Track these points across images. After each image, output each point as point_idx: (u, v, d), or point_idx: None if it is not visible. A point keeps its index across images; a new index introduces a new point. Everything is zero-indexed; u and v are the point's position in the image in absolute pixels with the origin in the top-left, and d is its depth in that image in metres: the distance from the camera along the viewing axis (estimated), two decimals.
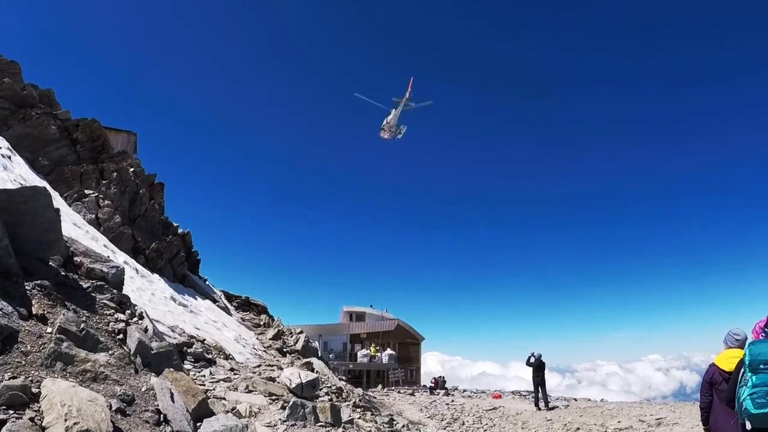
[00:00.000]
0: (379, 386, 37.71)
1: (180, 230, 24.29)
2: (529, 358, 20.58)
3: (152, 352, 7.59)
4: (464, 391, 33.28)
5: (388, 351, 45.24)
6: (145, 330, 8.47)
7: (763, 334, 5.10)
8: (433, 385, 33.08)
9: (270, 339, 19.27)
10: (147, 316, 9.33)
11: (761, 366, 4.65)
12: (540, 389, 20.24)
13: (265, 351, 17.30)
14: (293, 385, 9.77)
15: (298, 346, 18.94)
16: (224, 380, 9.90)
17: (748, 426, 4.62)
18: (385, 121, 24.99)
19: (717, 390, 5.44)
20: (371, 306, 53.75)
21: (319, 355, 21.24)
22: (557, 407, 20.28)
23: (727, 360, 5.34)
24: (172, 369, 7.51)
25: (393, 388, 37.09)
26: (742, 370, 4.84)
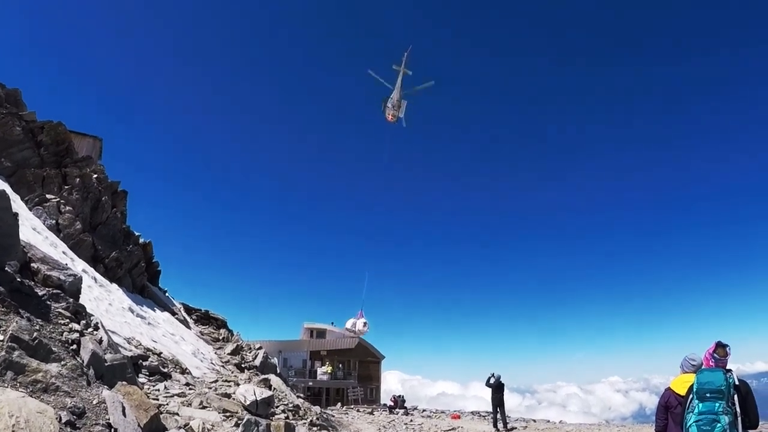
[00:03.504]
0: (339, 404, 37.50)
1: (141, 240, 23.93)
2: (489, 379, 20.90)
3: (106, 364, 7.49)
4: (423, 410, 33.33)
5: (324, 368, 45.05)
6: (100, 341, 8.35)
7: (713, 361, 5.33)
8: (392, 404, 33.06)
9: (228, 354, 19.06)
10: (102, 326, 9.19)
11: (707, 394, 4.92)
12: (499, 410, 20.54)
13: (223, 366, 17.10)
14: (248, 402, 9.71)
15: (257, 362, 18.76)
16: (179, 395, 9.77)
17: None
18: (389, 99, 24.10)
19: (672, 414, 5.63)
20: (332, 323, 53.47)
21: (278, 371, 21.04)
22: (516, 428, 20.52)
23: (683, 384, 5.53)
24: (125, 382, 7.41)
25: (352, 406, 36.91)
26: (691, 396, 5.09)
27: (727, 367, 5.26)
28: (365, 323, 20.41)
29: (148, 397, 7.72)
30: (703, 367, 5.45)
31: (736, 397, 4.96)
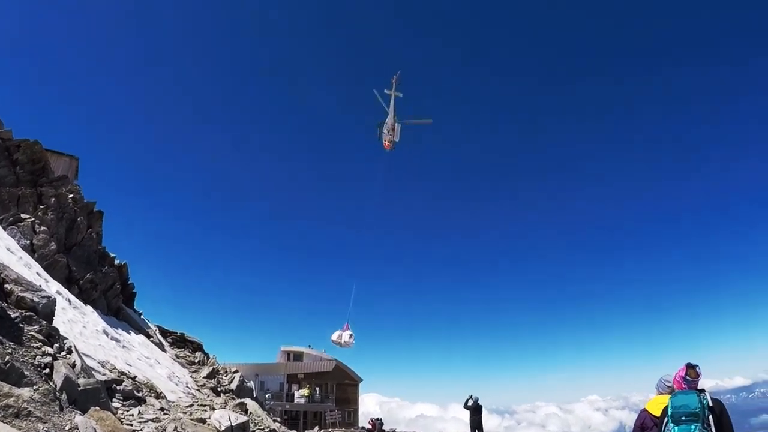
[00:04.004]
0: (317, 428, 37.03)
1: (117, 261, 23.60)
2: (467, 400, 20.93)
3: (79, 388, 7.40)
4: None
5: (301, 391, 44.66)
6: (73, 365, 8.23)
7: (685, 383, 5.36)
8: (370, 427, 32.67)
9: (204, 377, 18.80)
10: (76, 350, 9.07)
11: (683, 417, 4.94)
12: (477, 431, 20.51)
13: (198, 390, 16.86)
14: (223, 428, 9.64)
15: (233, 385, 18.55)
16: (153, 420, 9.64)
17: None
18: (384, 124, 23.82)
19: None
20: (310, 346, 53.08)
21: (255, 395, 20.82)
22: None
23: (658, 406, 5.55)
24: (98, 407, 7.34)
25: (330, 429, 36.51)
26: (666, 419, 5.11)
27: (700, 387, 5.27)
28: (351, 335, 20.14)
29: (121, 422, 7.63)
30: (675, 390, 5.47)
31: (711, 418, 4.99)
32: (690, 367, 5.43)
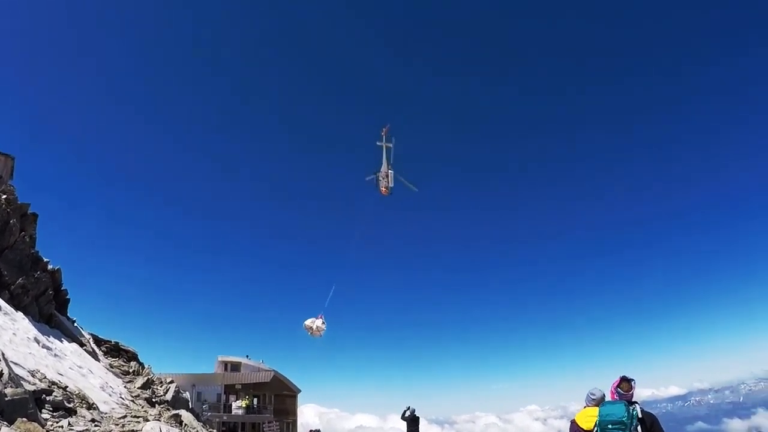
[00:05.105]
0: None
1: (50, 266, 22.89)
2: (404, 412, 21.28)
3: (6, 399, 7.31)
4: None
5: (239, 402, 44.24)
6: (0, 374, 8.09)
7: (617, 395, 5.67)
8: None
9: (139, 388, 18.46)
10: (4, 358, 8.90)
11: (609, 426, 5.25)
12: None
13: (132, 401, 16.56)
14: None
15: (168, 396, 18.29)
16: None
17: None
18: (379, 173, 24.92)
19: None
20: (247, 356, 52.33)
21: (191, 406, 20.53)
22: None
23: (586, 418, 5.86)
24: (25, 419, 7.25)
25: None
26: (596, 428, 5.42)
27: (633, 400, 5.54)
28: (323, 321, 20.55)
29: None
30: (603, 401, 5.77)
31: (639, 428, 5.28)
32: (624, 380, 5.73)
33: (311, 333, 19.85)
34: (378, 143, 24.40)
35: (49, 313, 20.57)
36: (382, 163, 24.55)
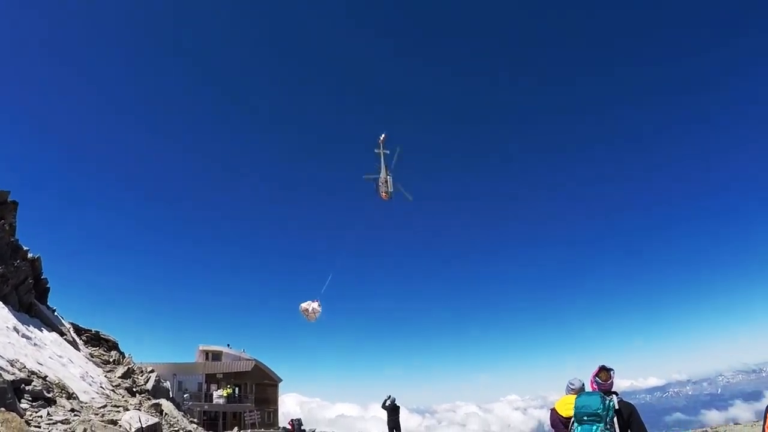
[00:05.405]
0: (236, 428, 36.79)
1: (30, 255, 22.77)
2: (385, 401, 21.64)
3: None
4: None
5: (220, 392, 44.40)
6: None
7: (595, 384, 5.68)
8: (290, 427, 32.84)
9: (119, 377, 18.54)
10: None
11: (585, 417, 5.30)
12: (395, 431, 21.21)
13: (113, 390, 16.66)
14: (133, 430, 9.77)
15: (149, 385, 18.41)
16: (62, 422, 9.65)
17: None
18: (378, 179, 25.30)
19: None
20: (228, 345, 52.37)
21: (171, 395, 20.66)
22: None
23: (565, 406, 5.93)
24: (4, 409, 7.38)
25: (249, 430, 36.39)
26: (572, 419, 5.47)
27: (612, 390, 5.54)
28: (319, 304, 20.83)
29: (29, 424, 7.71)
30: (587, 389, 5.82)
31: (616, 420, 5.27)
32: (603, 369, 5.69)
33: (306, 316, 20.19)
34: (376, 150, 24.69)
35: (29, 302, 20.50)
36: (380, 170, 24.92)
